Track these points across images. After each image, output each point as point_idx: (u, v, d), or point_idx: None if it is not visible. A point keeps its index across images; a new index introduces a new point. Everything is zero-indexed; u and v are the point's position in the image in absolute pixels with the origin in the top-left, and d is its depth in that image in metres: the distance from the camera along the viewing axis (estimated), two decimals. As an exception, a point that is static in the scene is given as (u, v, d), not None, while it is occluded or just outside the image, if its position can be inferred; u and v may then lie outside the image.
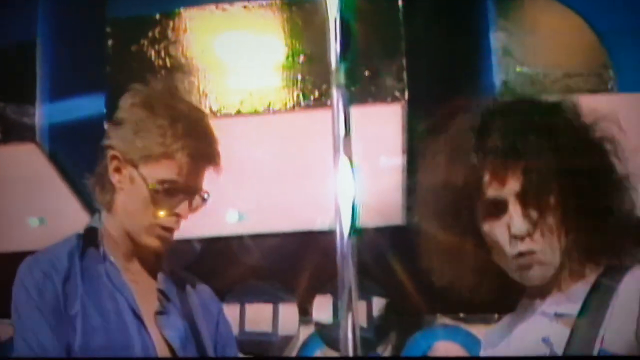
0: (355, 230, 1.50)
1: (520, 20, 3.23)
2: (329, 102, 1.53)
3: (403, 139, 3.54)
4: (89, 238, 1.97)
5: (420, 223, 1.84)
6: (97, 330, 1.85)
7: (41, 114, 3.43)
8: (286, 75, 3.32)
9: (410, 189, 3.92)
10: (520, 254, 1.67)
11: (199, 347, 1.98)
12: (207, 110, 3.31)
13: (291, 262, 4.27)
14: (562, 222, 1.66)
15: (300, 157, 3.64)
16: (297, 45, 3.33)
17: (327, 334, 4.55)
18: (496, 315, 2.62)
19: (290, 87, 3.30)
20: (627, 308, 1.61)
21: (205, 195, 1.96)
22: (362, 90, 3.24)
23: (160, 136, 1.88)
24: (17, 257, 1.95)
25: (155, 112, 1.91)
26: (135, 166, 1.90)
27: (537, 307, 1.73)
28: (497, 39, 3.21)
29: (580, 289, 1.68)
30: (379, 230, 3.45)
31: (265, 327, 4.63)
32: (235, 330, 4.60)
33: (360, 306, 4.38)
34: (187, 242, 4.25)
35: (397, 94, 3.26)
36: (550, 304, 1.71)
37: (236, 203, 4.09)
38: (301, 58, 3.31)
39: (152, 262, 2.02)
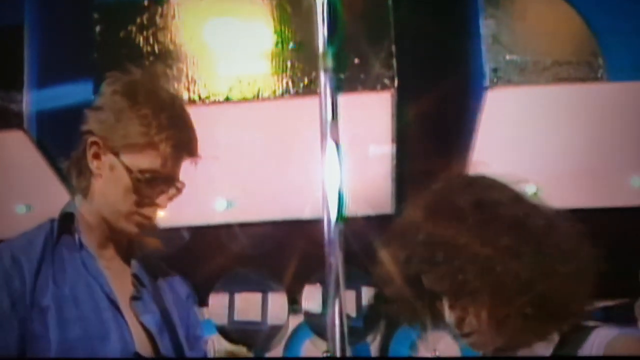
0: (342, 218, 1.50)
1: (510, 8, 3.22)
2: (318, 90, 1.52)
3: (392, 127, 3.54)
4: (64, 224, 1.95)
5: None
6: (73, 320, 1.83)
7: (28, 101, 3.41)
8: (275, 62, 3.30)
9: (400, 177, 3.93)
10: (462, 334, 1.73)
11: (171, 332, 1.98)
12: (195, 97, 3.29)
13: (280, 250, 4.27)
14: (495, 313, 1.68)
15: (289, 144, 3.63)
16: (286, 32, 3.31)
17: (316, 324, 4.55)
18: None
19: (279, 74, 3.29)
20: None
21: (180, 185, 1.95)
22: (351, 78, 3.23)
23: (144, 126, 1.87)
24: (3, 245, 1.94)
25: (138, 101, 1.89)
26: (116, 154, 1.89)
27: None
28: (486, 27, 3.20)
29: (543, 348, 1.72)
30: (368, 219, 3.45)
31: (255, 316, 4.63)
32: (224, 319, 4.62)
33: (349, 295, 4.38)
34: (176, 230, 4.25)
35: (386, 81, 3.25)
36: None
37: (224, 191, 4.09)
38: (290, 45, 3.29)
39: (125, 247, 2.01)
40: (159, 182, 1.91)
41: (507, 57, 3.19)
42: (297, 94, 3.28)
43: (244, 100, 3.31)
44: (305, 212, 3.59)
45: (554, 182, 3.86)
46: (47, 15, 3.58)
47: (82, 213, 1.96)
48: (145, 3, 3.38)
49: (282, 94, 3.28)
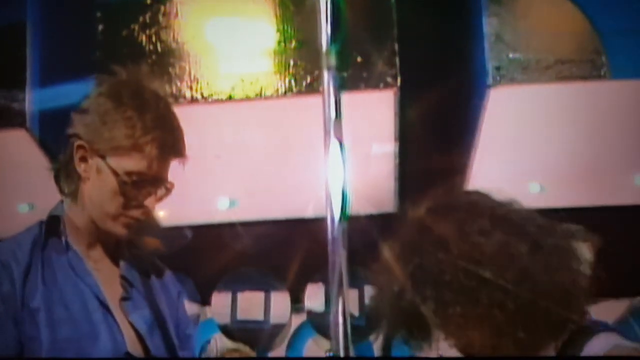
0: (345, 216, 1.49)
1: (512, 6, 3.22)
2: (320, 88, 1.52)
3: (395, 126, 3.53)
4: (51, 227, 1.95)
5: None
6: (63, 321, 1.83)
7: (31, 100, 3.41)
8: (278, 60, 3.30)
9: (402, 176, 3.92)
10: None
11: (163, 331, 1.98)
12: (198, 96, 3.29)
13: (282, 249, 4.27)
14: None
15: (291, 143, 3.63)
16: (289, 30, 3.31)
17: (318, 322, 4.55)
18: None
19: (282, 72, 3.29)
20: None
21: (169, 186, 1.95)
22: (354, 76, 3.23)
23: (129, 128, 1.87)
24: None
25: (123, 102, 1.89)
26: (102, 157, 1.89)
27: None
28: (489, 25, 3.19)
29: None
30: (371, 218, 3.45)
31: (257, 315, 4.63)
32: (227, 318, 4.62)
33: (352, 294, 4.38)
34: (179, 229, 4.25)
35: (389, 80, 3.25)
36: None
37: (227, 190, 4.09)
38: (293, 43, 3.29)
39: (113, 248, 2.01)
40: (145, 184, 1.90)
41: (510, 55, 3.18)
42: (299, 92, 3.28)
43: (247, 98, 3.31)
44: (308, 211, 3.58)
45: (557, 180, 3.87)
46: (49, 14, 3.58)
47: (70, 215, 1.97)
48: (148, 2, 3.38)
49: (285, 93, 3.28)
